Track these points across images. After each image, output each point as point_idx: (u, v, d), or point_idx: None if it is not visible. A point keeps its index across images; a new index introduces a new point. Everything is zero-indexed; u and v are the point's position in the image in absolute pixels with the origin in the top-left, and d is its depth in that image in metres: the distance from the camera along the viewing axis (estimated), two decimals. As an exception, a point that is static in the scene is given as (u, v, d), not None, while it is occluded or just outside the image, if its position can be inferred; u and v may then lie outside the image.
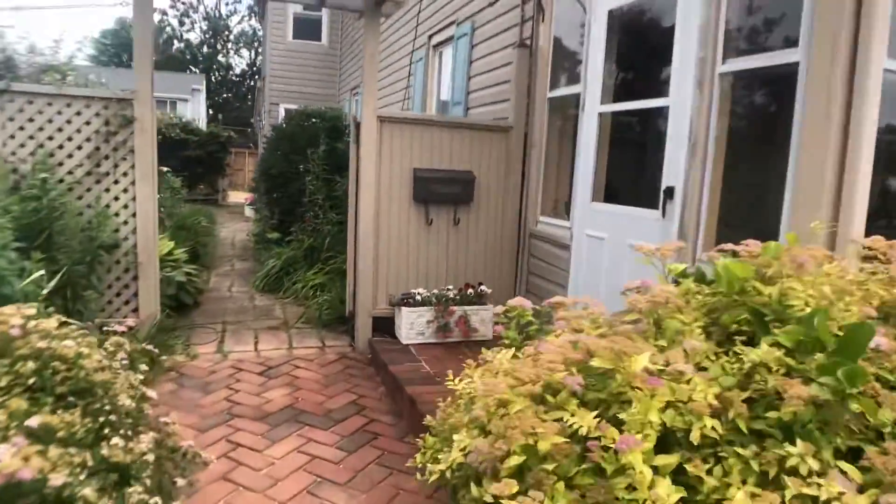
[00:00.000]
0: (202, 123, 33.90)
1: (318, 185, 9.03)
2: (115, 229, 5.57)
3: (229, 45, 41.68)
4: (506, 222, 6.51)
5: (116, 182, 5.57)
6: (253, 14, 37.00)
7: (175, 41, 40.49)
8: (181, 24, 40.17)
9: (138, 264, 5.62)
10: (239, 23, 43.31)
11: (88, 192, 5.51)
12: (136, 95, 5.45)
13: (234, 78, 42.73)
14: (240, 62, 43.47)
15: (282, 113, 16.40)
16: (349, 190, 6.30)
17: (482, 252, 6.51)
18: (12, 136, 5.34)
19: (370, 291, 6.18)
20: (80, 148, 5.47)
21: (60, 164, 5.43)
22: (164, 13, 40.41)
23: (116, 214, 5.58)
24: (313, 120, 10.32)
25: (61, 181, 5.40)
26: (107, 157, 5.51)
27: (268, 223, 10.54)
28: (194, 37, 40.50)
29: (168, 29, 40.60)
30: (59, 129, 5.42)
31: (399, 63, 11.05)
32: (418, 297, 6.03)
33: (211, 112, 40.15)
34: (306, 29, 16.80)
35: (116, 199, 5.58)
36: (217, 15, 40.60)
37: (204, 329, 6.75)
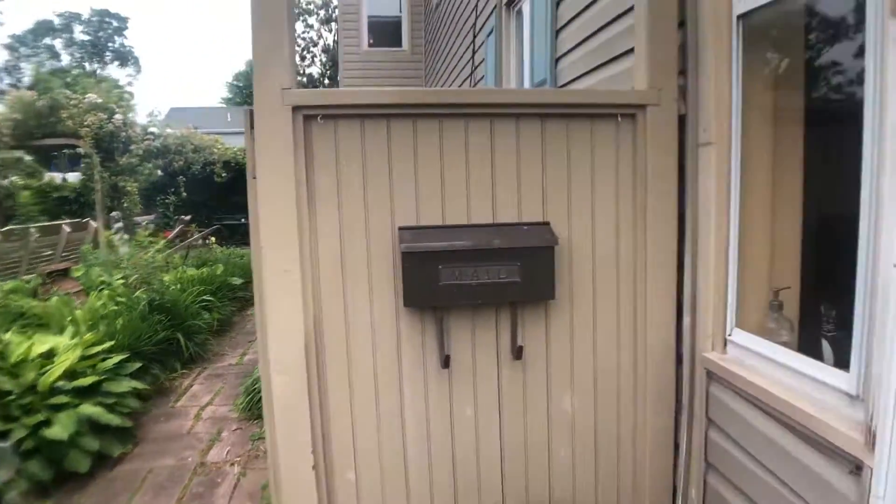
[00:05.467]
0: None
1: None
2: None
3: (348, 75, 39.72)
4: (641, 345, 2.52)
5: None
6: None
7: (298, 75, 39.48)
8: (302, 59, 39.03)
9: None
10: (357, 52, 41.41)
11: None
12: None
13: (355, 107, 40.78)
14: (361, 91, 41.54)
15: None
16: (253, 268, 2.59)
17: (585, 424, 2.59)
18: None
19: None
20: None
21: None
22: (286, 50, 39.51)
23: None
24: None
25: None
26: None
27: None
28: (315, 70, 39.30)
29: (290, 65, 39.65)
30: None
31: (459, 46, 7.27)
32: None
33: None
34: (384, 34, 13.58)
35: None
36: (335, 46, 39.06)
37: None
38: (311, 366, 2.39)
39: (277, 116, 2.29)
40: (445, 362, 2.39)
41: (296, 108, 2.30)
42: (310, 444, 2.40)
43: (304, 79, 39.79)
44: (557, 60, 4.04)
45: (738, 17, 2.17)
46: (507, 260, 2.27)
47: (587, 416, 2.54)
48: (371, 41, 13.37)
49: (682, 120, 2.39)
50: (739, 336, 2.24)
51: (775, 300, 2.17)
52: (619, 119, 2.38)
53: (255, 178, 2.39)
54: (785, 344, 2.13)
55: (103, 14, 37.81)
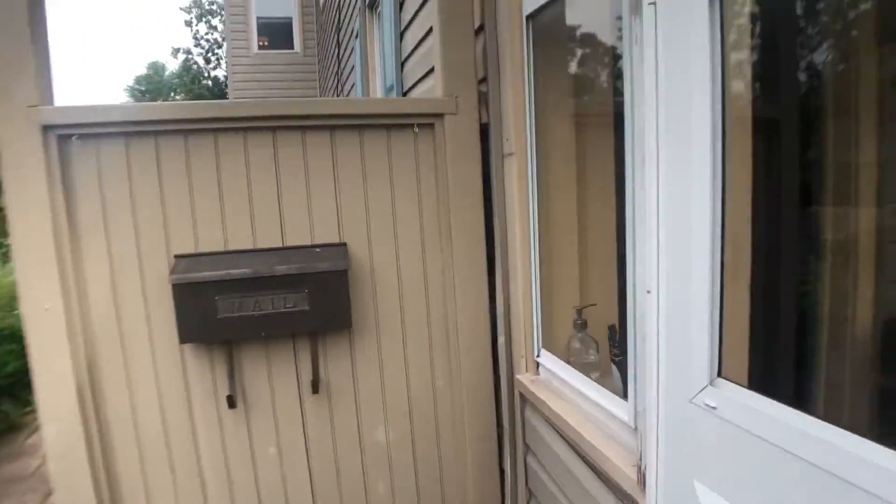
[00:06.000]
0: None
1: None
2: None
3: (255, 77, 38.36)
4: (456, 368, 2.29)
5: None
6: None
7: (202, 79, 37.85)
8: (207, 62, 37.51)
9: None
10: (265, 54, 40.03)
11: None
12: None
13: (265, 110, 39.49)
14: (270, 93, 40.25)
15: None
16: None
17: (403, 455, 2.34)
18: None
19: None
20: None
21: None
22: (189, 52, 37.71)
23: None
24: None
25: None
26: None
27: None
28: (221, 73, 37.84)
29: (195, 67, 37.95)
30: None
31: (341, 50, 6.96)
32: None
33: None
34: (274, 35, 13.04)
35: None
36: (241, 48, 37.59)
37: None
38: (87, 412, 2.07)
39: (25, 138, 1.95)
40: (231, 402, 2.12)
41: (47, 128, 1.97)
42: (93, 495, 2.09)
43: (210, 82, 38.29)
44: (403, 64, 3.83)
45: (527, 17, 2.00)
46: (294, 287, 2.03)
47: (405, 447, 2.33)
48: (261, 43, 12.82)
49: (487, 129, 2.22)
50: (545, 358, 2.08)
51: (578, 319, 2.02)
52: (416, 129, 2.18)
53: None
54: (591, 366, 1.99)
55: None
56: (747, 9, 1.32)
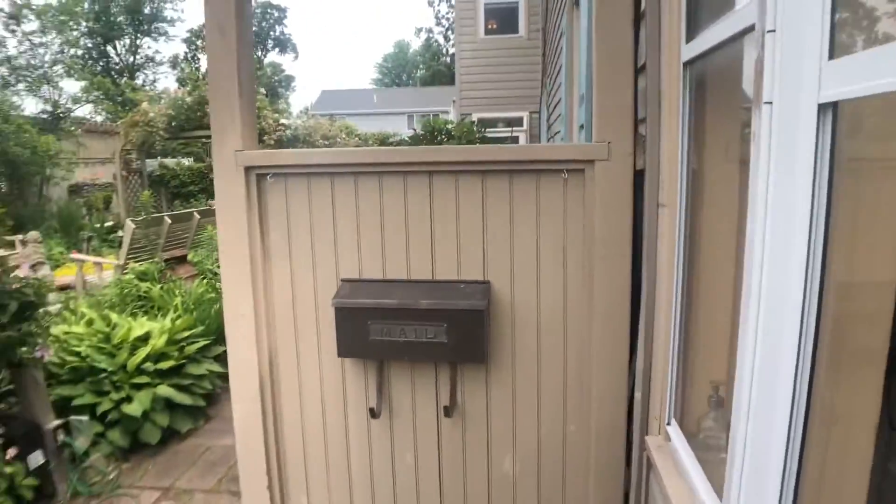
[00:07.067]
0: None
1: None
2: None
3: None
4: (588, 418, 2.24)
5: None
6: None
7: (440, 56, 39.85)
8: (446, 39, 39.35)
9: None
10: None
11: None
12: None
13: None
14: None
15: (476, 123, 13.07)
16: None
17: (527, 490, 2.35)
18: None
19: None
20: None
21: None
22: (430, 31, 39.94)
23: None
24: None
25: None
26: None
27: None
28: (459, 49, 39.41)
29: (435, 45, 40.09)
30: None
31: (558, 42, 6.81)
32: None
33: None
34: (500, 20, 13.22)
35: None
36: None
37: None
38: (265, 399, 2.47)
39: (232, 176, 2.33)
40: (372, 413, 2.34)
41: (248, 169, 2.33)
42: (264, 465, 2.50)
43: (448, 59, 40.23)
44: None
45: (684, 64, 1.84)
46: (435, 320, 2.15)
47: (530, 483, 2.36)
48: (487, 28, 13.14)
49: (642, 175, 2.10)
50: (673, 429, 1.95)
51: (714, 396, 1.85)
52: (566, 175, 2.13)
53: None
54: (722, 449, 1.83)
55: (266, 6, 40.58)
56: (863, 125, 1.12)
